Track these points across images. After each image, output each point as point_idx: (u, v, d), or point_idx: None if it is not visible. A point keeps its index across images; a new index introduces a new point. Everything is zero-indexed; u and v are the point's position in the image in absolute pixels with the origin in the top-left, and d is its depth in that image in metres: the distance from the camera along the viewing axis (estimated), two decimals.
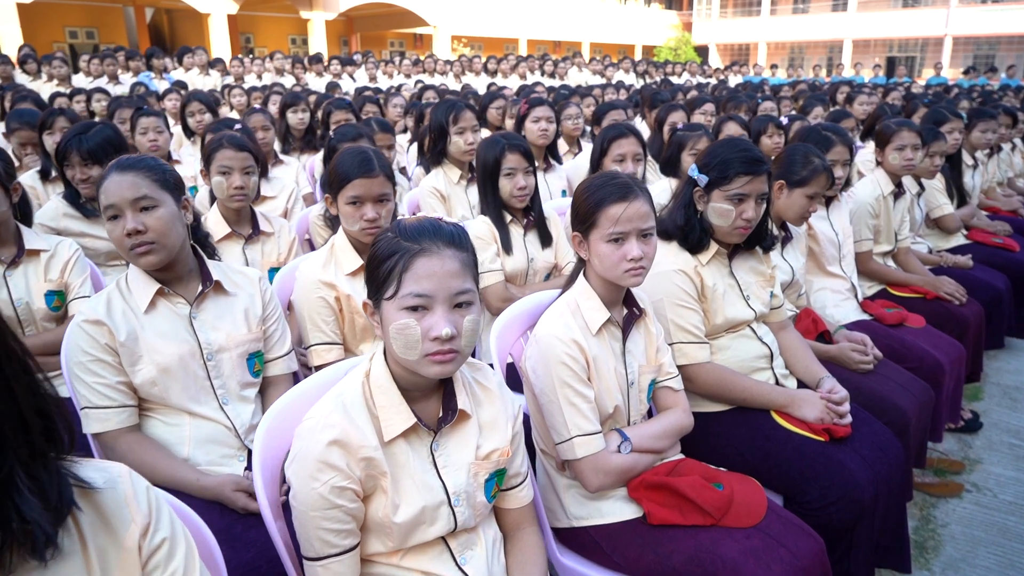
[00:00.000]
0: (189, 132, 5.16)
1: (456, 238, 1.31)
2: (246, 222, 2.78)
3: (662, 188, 3.56)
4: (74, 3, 22.66)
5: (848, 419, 2.08)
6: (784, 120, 4.55)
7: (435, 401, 1.40)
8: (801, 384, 2.30)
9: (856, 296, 3.19)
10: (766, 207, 2.19)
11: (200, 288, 1.88)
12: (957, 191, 4.46)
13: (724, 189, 2.08)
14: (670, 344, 2.10)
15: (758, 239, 2.26)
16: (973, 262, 4.00)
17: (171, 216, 1.77)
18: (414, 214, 3.31)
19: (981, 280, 3.80)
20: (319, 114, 5.35)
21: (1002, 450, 3.30)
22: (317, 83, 10.40)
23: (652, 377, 1.90)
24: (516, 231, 2.81)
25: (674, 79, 15.50)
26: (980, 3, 27.72)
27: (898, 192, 3.59)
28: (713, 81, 14.68)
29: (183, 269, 1.87)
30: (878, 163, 3.60)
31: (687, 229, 2.17)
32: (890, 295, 3.50)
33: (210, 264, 1.94)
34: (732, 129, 4.03)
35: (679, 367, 2.11)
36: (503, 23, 27.80)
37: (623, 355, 1.84)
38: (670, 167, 3.57)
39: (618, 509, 1.77)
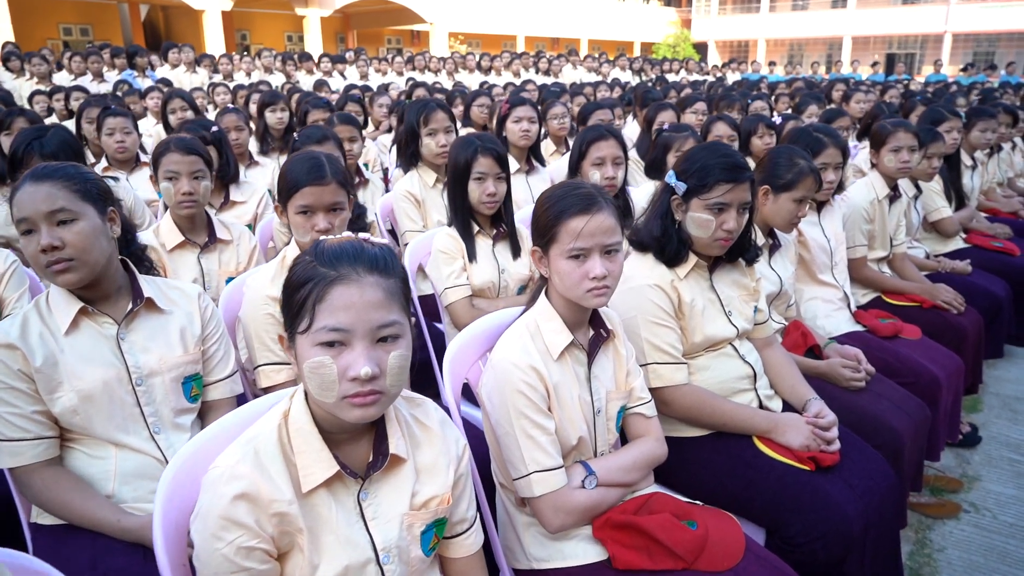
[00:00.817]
0: (171, 131, 5.01)
1: (380, 262, 1.15)
2: (201, 229, 2.63)
3: (647, 191, 3.41)
4: None
5: (836, 445, 1.93)
6: (776, 119, 4.39)
7: (364, 444, 1.24)
8: (787, 406, 2.15)
9: (849, 306, 3.04)
10: (750, 216, 2.04)
11: (130, 306, 1.73)
12: (955, 193, 4.31)
13: (704, 198, 1.93)
14: (644, 365, 1.95)
15: (741, 251, 2.10)
16: (972, 267, 3.85)
17: (92, 230, 1.61)
18: (386, 219, 3.15)
19: (980, 287, 3.65)
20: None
21: (1002, 466, 3.15)
22: (308, 81, 10.22)
23: (621, 404, 1.75)
24: (485, 241, 2.65)
25: (671, 76, 15.35)
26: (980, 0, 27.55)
27: (894, 195, 3.44)
28: (710, 79, 14.52)
29: (110, 286, 1.71)
30: (873, 165, 3.45)
31: (664, 240, 2.01)
32: (885, 303, 3.35)
33: (142, 280, 1.78)
34: (721, 130, 3.87)
35: (654, 390, 1.96)
36: (501, 20, 27.63)
37: (588, 381, 1.69)
38: (655, 170, 3.42)
39: (581, 551, 1.62)
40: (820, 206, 3.04)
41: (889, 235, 3.45)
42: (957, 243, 4.23)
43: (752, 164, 2.58)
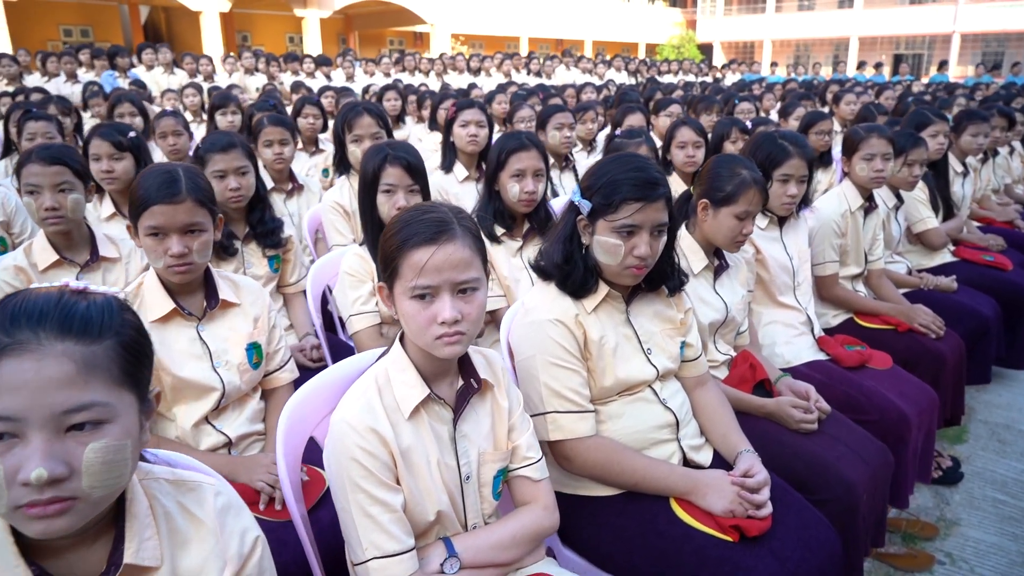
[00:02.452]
0: None
1: (79, 324, 0.87)
2: (82, 247, 2.36)
3: None
4: (68, 1, 22.44)
5: (766, 510, 1.64)
6: (749, 124, 4.10)
7: (96, 550, 0.97)
8: (716, 464, 1.86)
9: (812, 331, 2.74)
10: (671, 240, 1.76)
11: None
12: (943, 202, 4.00)
13: (610, 219, 1.65)
14: (541, 414, 1.67)
15: (662, 279, 1.82)
16: (958, 284, 3.54)
17: None
18: (315, 232, 2.87)
19: (966, 306, 3.35)
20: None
21: (984, 507, 2.85)
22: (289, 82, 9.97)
23: (501, 467, 1.47)
24: None
25: (669, 77, 15.05)
26: None
27: (868, 207, 3.14)
28: (708, 80, 14.20)
29: None
30: (845, 174, 3.16)
31: (567, 268, 1.73)
32: (858, 326, 3.05)
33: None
34: (685, 135, 3.58)
35: (553, 443, 1.68)
36: (503, 21, 27.39)
37: (454, 442, 1.41)
38: None
39: None
40: (782, 221, 2.75)
41: (863, 250, 3.15)
42: (944, 256, 3.92)
43: None
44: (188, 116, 6.36)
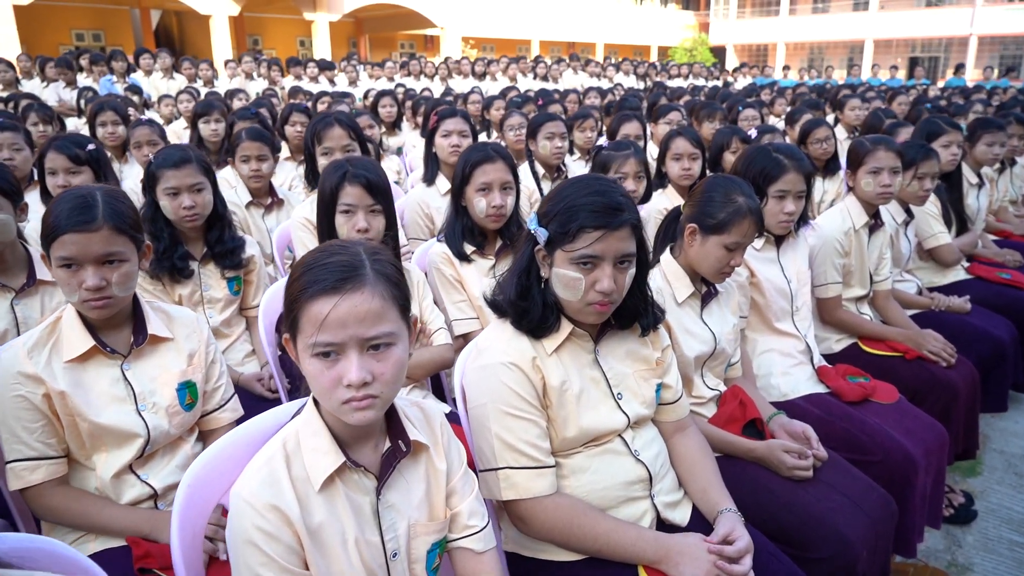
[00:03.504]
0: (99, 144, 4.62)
1: None
2: (17, 270, 2.19)
3: None
4: (80, 5, 22.55)
5: None
6: (753, 133, 3.90)
7: None
8: (695, 521, 1.66)
9: (812, 360, 2.54)
10: (640, 271, 1.57)
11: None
12: (956, 215, 3.78)
13: (568, 249, 1.46)
14: (492, 470, 1.48)
15: (634, 315, 1.63)
16: (973, 304, 3.32)
17: None
18: (288, 248, 2.70)
19: (980, 329, 3.13)
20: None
21: (999, 550, 2.63)
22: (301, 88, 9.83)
23: (437, 539, 1.28)
24: None
25: (679, 81, 14.81)
26: (1007, 1, 26.59)
27: (874, 224, 2.93)
28: (718, 83, 13.97)
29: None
30: (850, 188, 2.95)
31: (524, 305, 1.54)
32: (862, 352, 2.84)
33: None
34: (681, 146, 3.38)
35: (508, 503, 1.49)
36: (515, 24, 27.24)
37: (377, 515, 1.22)
38: None
39: None
40: (780, 240, 2.55)
41: (869, 270, 2.94)
42: (958, 273, 3.70)
43: None
44: (183, 122, 6.24)
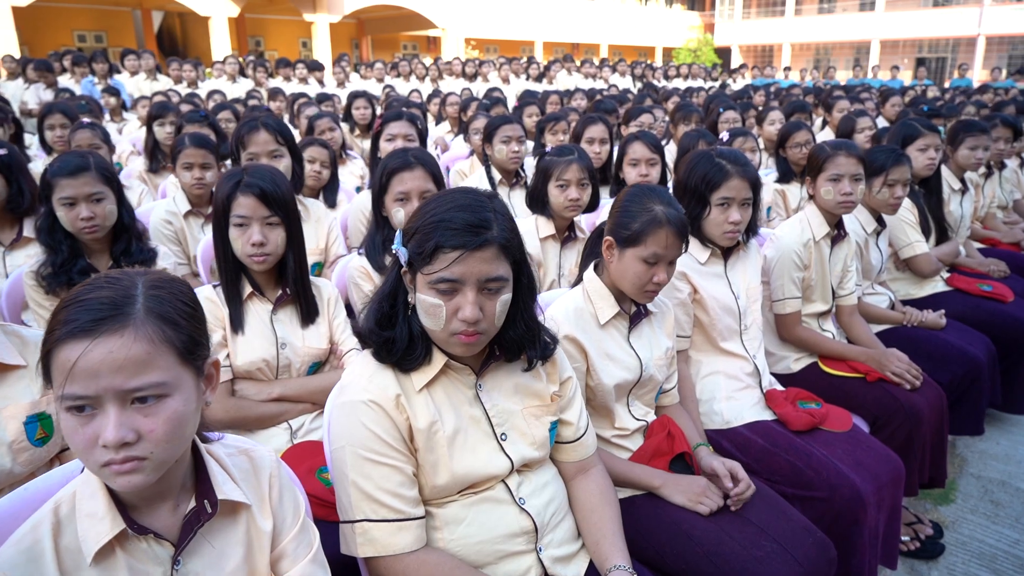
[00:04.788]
0: (48, 148, 4.48)
1: None
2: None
3: (526, 229, 2.76)
4: (82, 7, 22.55)
5: None
6: (725, 136, 3.71)
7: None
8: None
9: (760, 384, 2.35)
10: (518, 296, 1.39)
11: None
12: (936, 224, 3.58)
13: (426, 272, 1.28)
14: (349, 522, 1.31)
15: (518, 346, 1.44)
16: (950, 318, 3.13)
17: None
18: (210, 261, 2.50)
19: (954, 347, 2.93)
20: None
21: None
22: (289, 89, 9.68)
23: None
24: (260, 306, 2.02)
25: (677, 82, 14.61)
26: (1016, 1, 26.23)
27: (837, 235, 2.74)
28: (716, 84, 13.75)
29: None
30: (810, 197, 2.76)
31: (387, 334, 1.36)
32: (822, 373, 2.65)
33: None
34: (638, 151, 3.20)
35: (367, 560, 1.32)
36: (517, 25, 27.07)
37: None
38: (537, 203, 2.76)
39: None
40: (728, 253, 2.36)
41: (831, 284, 2.75)
42: (936, 285, 3.50)
43: None
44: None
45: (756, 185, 2.26)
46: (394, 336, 1.34)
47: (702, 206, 2.24)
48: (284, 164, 2.67)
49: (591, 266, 1.95)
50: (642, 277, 1.78)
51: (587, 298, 1.89)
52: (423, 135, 3.28)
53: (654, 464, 1.86)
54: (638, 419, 1.95)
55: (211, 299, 1.97)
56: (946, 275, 3.56)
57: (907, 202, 3.35)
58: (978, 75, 22.60)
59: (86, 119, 3.79)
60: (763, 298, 2.72)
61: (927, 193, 3.54)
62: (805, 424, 2.17)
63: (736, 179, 2.20)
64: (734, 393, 2.29)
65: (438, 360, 1.37)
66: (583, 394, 1.85)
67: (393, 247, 1.33)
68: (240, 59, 10.23)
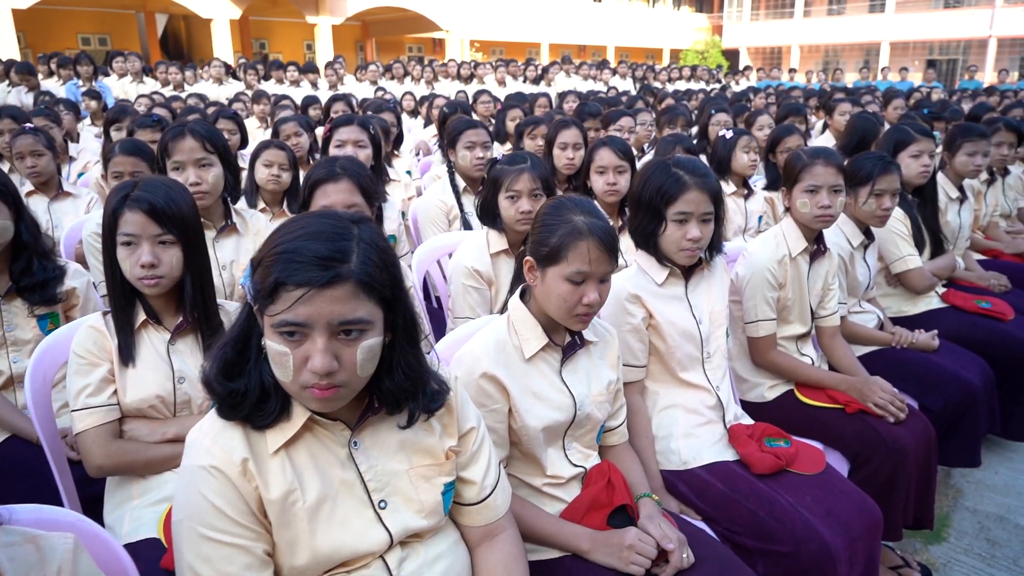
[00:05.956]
0: None
1: None
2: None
3: (477, 244, 2.54)
4: (86, 10, 22.52)
5: None
6: (728, 134, 3.48)
7: None
8: None
9: (724, 418, 2.11)
10: (395, 341, 1.16)
11: None
12: (931, 235, 3.33)
13: (270, 313, 1.06)
14: None
15: (394, 400, 1.21)
16: (944, 339, 2.88)
17: None
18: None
19: (947, 371, 2.69)
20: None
21: None
22: (280, 91, 9.50)
23: None
24: (155, 336, 1.80)
25: (681, 84, 14.35)
26: None
27: (816, 250, 2.51)
28: (716, 87, 13.50)
29: None
30: (786, 209, 2.52)
31: (234, 385, 1.14)
32: (798, 402, 2.42)
33: None
34: (605, 158, 2.97)
35: None
36: (523, 27, 26.88)
37: None
38: (487, 215, 2.53)
39: None
40: (689, 272, 2.13)
41: (810, 304, 2.52)
42: (931, 302, 3.25)
43: None
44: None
45: (717, 198, 2.03)
46: (242, 387, 1.12)
47: (657, 221, 2.02)
48: (214, 173, 2.46)
49: (517, 292, 1.73)
50: (568, 299, 1.56)
51: (511, 329, 1.66)
52: (377, 141, 3.06)
53: (590, 518, 1.63)
54: (575, 464, 1.72)
55: (97, 328, 1.76)
56: (942, 290, 3.31)
57: (899, 212, 3.11)
58: (989, 77, 22.21)
59: (29, 125, 3.59)
60: (736, 320, 2.50)
61: (921, 203, 3.30)
62: (770, 467, 1.93)
63: (694, 191, 1.97)
64: (693, 429, 2.06)
65: (299, 415, 1.15)
66: (506, 439, 1.63)
67: (241, 281, 1.11)
68: (222, 62, 10.00)
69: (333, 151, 2.97)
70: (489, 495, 1.34)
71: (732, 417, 2.13)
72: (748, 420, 2.18)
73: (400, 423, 1.22)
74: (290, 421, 1.15)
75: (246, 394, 1.12)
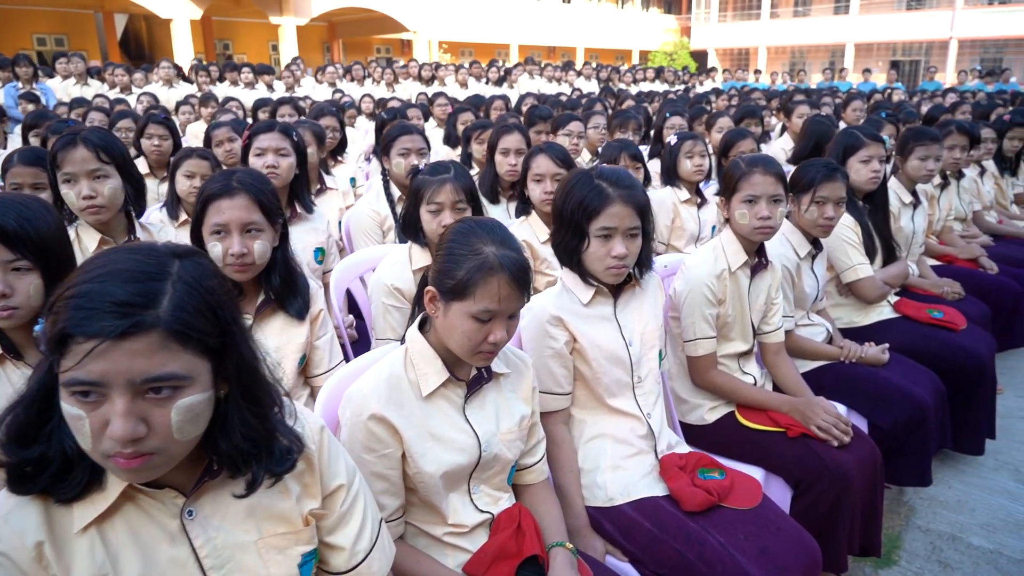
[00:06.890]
0: None
1: None
2: None
3: (398, 259, 2.37)
4: (43, 9, 21.92)
5: None
6: (673, 139, 3.34)
7: None
8: None
9: (656, 448, 1.96)
10: (241, 396, 0.99)
11: None
12: (883, 242, 3.22)
13: (61, 370, 0.88)
14: None
15: (233, 464, 1.04)
16: (895, 352, 2.78)
17: None
18: None
19: (897, 388, 2.58)
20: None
21: None
22: (235, 94, 9.22)
23: None
24: (13, 372, 1.60)
25: (645, 85, 14.29)
26: (987, 4, 26.25)
27: (757, 263, 2.37)
28: (679, 88, 13.45)
29: None
30: (726, 220, 2.39)
31: (29, 454, 0.95)
32: (738, 425, 2.28)
33: None
34: (542, 166, 2.81)
35: None
36: (491, 29, 26.74)
37: None
38: (409, 229, 2.36)
39: None
40: (617, 291, 1.98)
41: (751, 320, 2.38)
42: (882, 312, 3.14)
43: None
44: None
45: (645, 211, 1.88)
46: (37, 455, 0.94)
47: (580, 237, 1.86)
48: (110, 186, 2.26)
49: (416, 322, 1.56)
50: (473, 337, 1.39)
51: (408, 363, 1.50)
52: (301, 149, 2.87)
53: (496, 570, 1.47)
54: (482, 510, 1.56)
55: None
56: (894, 299, 3.21)
57: (849, 219, 3.00)
58: (950, 78, 22.51)
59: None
60: (675, 337, 2.36)
61: (872, 209, 3.19)
62: (701, 503, 1.78)
63: (618, 205, 1.82)
64: (622, 461, 1.91)
65: (115, 485, 0.98)
66: (400, 486, 1.46)
67: (35, 328, 0.94)
68: (171, 63, 9.68)
69: (253, 160, 2.78)
70: (362, 561, 1.18)
71: (665, 447, 1.98)
72: (684, 447, 2.04)
73: (236, 491, 1.04)
74: (103, 492, 0.97)
75: (44, 463, 0.94)
